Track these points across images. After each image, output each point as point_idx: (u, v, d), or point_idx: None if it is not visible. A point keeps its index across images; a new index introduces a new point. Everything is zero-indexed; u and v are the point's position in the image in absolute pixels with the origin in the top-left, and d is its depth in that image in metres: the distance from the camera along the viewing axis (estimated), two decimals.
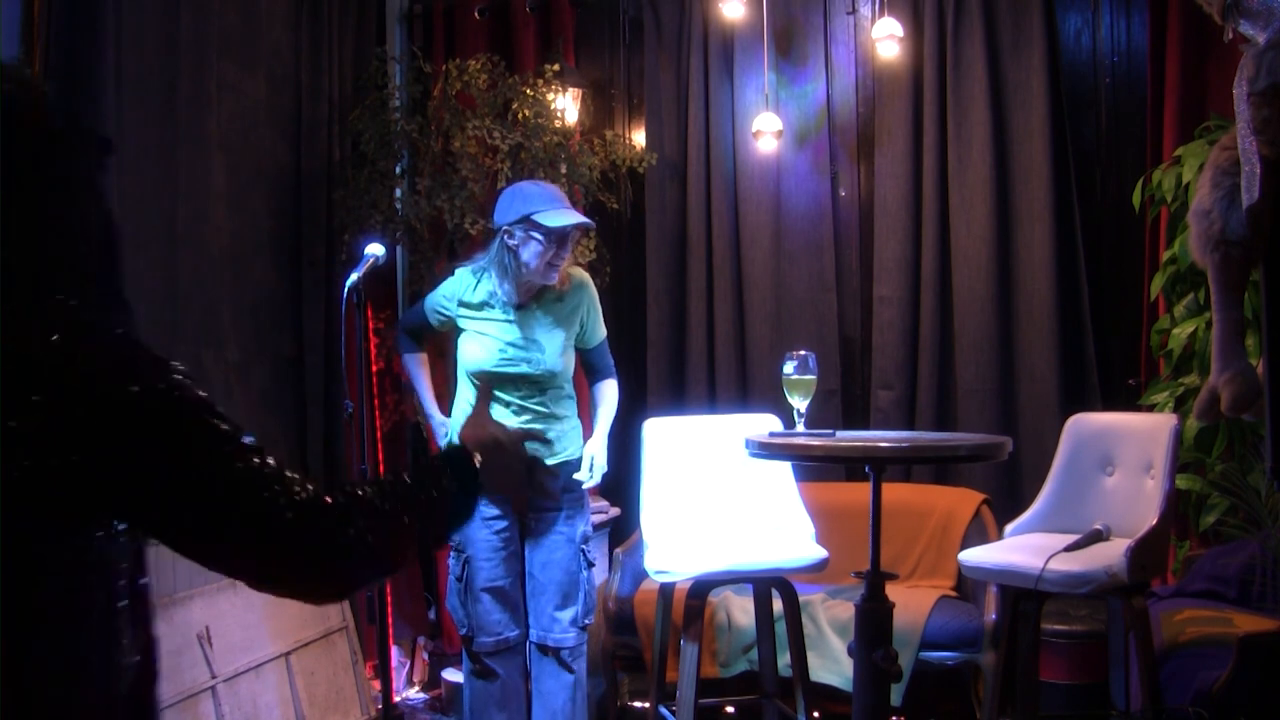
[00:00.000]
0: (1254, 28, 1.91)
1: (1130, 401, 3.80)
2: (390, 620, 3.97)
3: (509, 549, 3.08)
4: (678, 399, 4.33)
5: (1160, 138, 3.82)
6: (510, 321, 3.07)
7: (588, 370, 3.28)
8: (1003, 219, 4.05)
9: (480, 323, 3.09)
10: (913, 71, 4.14)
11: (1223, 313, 2.10)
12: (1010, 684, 3.05)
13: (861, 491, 2.68)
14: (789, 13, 4.31)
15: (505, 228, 3.00)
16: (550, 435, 3.09)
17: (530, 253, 2.98)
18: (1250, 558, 3.16)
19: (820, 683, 3.34)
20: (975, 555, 2.91)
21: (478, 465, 1.33)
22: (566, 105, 4.19)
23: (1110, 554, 2.68)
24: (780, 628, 3.09)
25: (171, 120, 3.31)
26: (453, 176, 3.88)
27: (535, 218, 2.95)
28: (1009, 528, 3.10)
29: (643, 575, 3.47)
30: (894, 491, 3.60)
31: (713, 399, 4.30)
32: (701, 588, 2.94)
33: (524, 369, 3.05)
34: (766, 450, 2.63)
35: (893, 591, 2.57)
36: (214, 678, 3.08)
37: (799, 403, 2.74)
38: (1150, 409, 3.49)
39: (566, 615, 3.12)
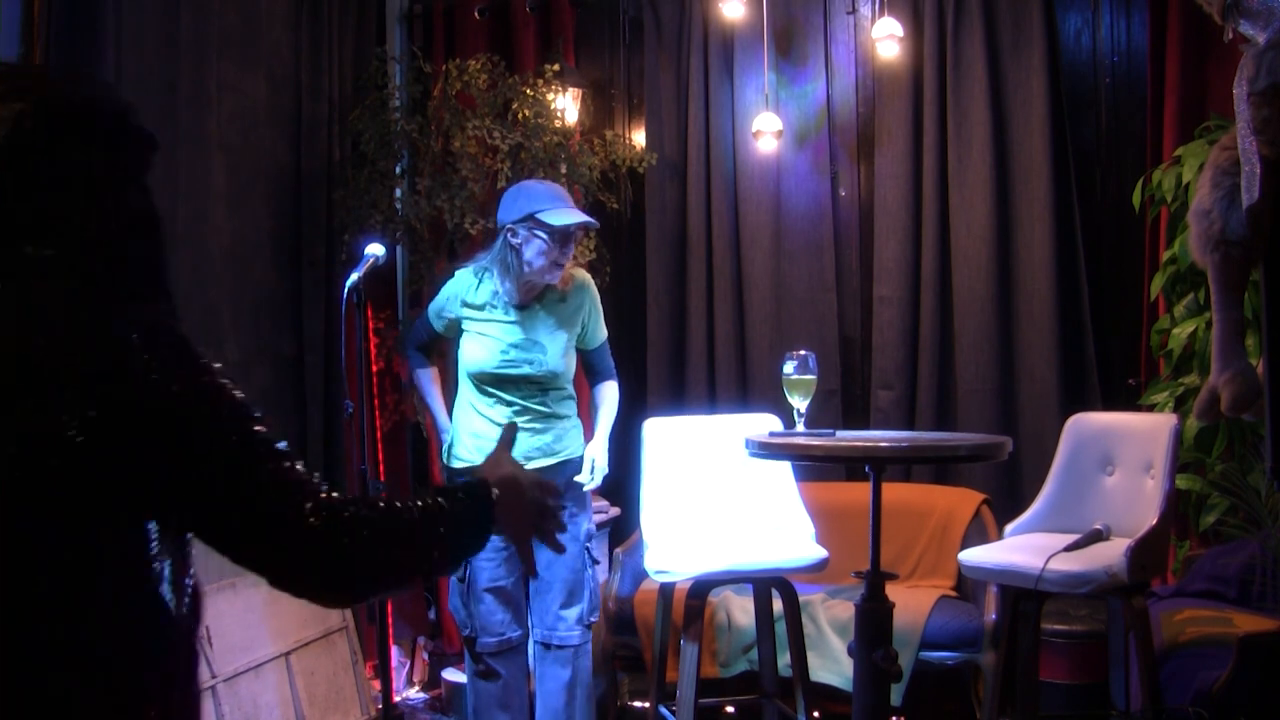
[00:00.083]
0: (1254, 28, 1.91)
1: (1130, 401, 3.79)
2: (390, 620, 3.97)
3: (510, 549, 3.08)
4: (678, 399, 4.33)
5: (1160, 138, 3.82)
6: (513, 322, 3.06)
7: (588, 371, 3.28)
8: (1003, 219, 4.05)
9: (482, 323, 3.08)
10: (913, 71, 4.13)
11: (1223, 313, 2.10)
12: (1010, 684, 3.05)
13: (861, 491, 2.68)
14: (789, 13, 4.31)
15: (509, 226, 2.99)
16: (551, 435, 3.10)
17: (534, 251, 2.97)
18: (1250, 558, 3.16)
19: (820, 683, 3.34)
20: (975, 555, 2.91)
21: (494, 499, 1.32)
22: (566, 105, 4.19)
23: (1110, 554, 2.68)
24: (780, 628, 3.08)
25: (171, 120, 3.31)
26: (453, 176, 3.88)
27: (539, 216, 2.95)
28: (1009, 528, 3.10)
29: (643, 575, 3.47)
30: (894, 491, 3.60)
31: (713, 399, 4.30)
32: (701, 588, 2.94)
33: (526, 370, 3.05)
34: (766, 450, 2.63)
35: (893, 591, 2.58)
36: (214, 677, 3.08)
37: (799, 403, 2.74)
38: (1150, 409, 3.49)
39: (572, 614, 3.12)
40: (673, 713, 2.98)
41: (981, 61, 4.03)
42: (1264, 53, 1.86)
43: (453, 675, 4.00)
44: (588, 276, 3.21)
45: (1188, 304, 3.48)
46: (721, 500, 3.24)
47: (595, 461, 3.14)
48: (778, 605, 3.05)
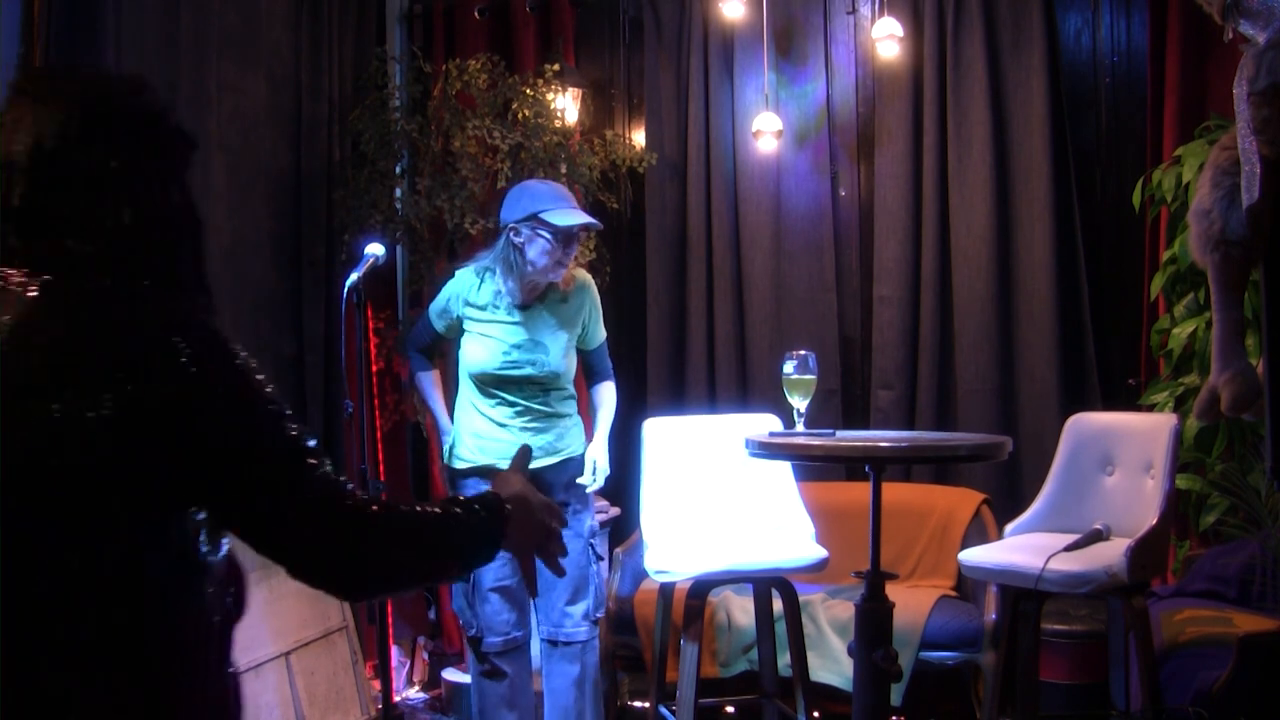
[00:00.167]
0: (1254, 28, 1.91)
1: (1130, 401, 3.79)
2: (390, 620, 3.97)
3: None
4: (678, 399, 4.33)
5: (1160, 138, 3.82)
6: (515, 323, 3.06)
7: (586, 372, 3.27)
8: (1003, 219, 4.05)
9: (484, 324, 3.08)
10: (913, 71, 4.13)
11: (1223, 313, 2.10)
12: (1010, 684, 3.05)
13: (861, 491, 2.68)
14: (789, 13, 4.31)
15: (512, 225, 2.99)
16: (553, 434, 3.10)
17: (537, 250, 2.97)
18: (1250, 558, 3.16)
19: (820, 683, 3.34)
20: (975, 555, 2.91)
21: (506, 513, 1.35)
22: (566, 105, 4.19)
23: (1110, 554, 2.68)
24: (780, 628, 3.08)
25: None
26: (453, 176, 3.88)
27: (543, 215, 2.95)
28: (1009, 528, 3.10)
29: (643, 575, 3.47)
30: (894, 491, 3.60)
31: (713, 399, 4.30)
32: (701, 588, 2.94)
33: (529, 371, 3.05)
34: (766, 450, 2.63)
35: (893, 591, 2.57)
36: None
37: (799, 403, 2.74)
38: (1150, 409, 3.49)
39: (578, 610, 3.12)
40: (673, 713, 2.98)
41: (981, 61, 4.03)
42: (1264, 53, 1.86)
43: (453, 675, 4.00)
44: (588, 277, 3.21)
45: (1188, 304, 3.48)
46: (721, 500, 3.24)
47: (596, 462, 3.15)
48: (778, 605, 3.05)
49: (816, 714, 3.16)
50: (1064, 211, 3.99)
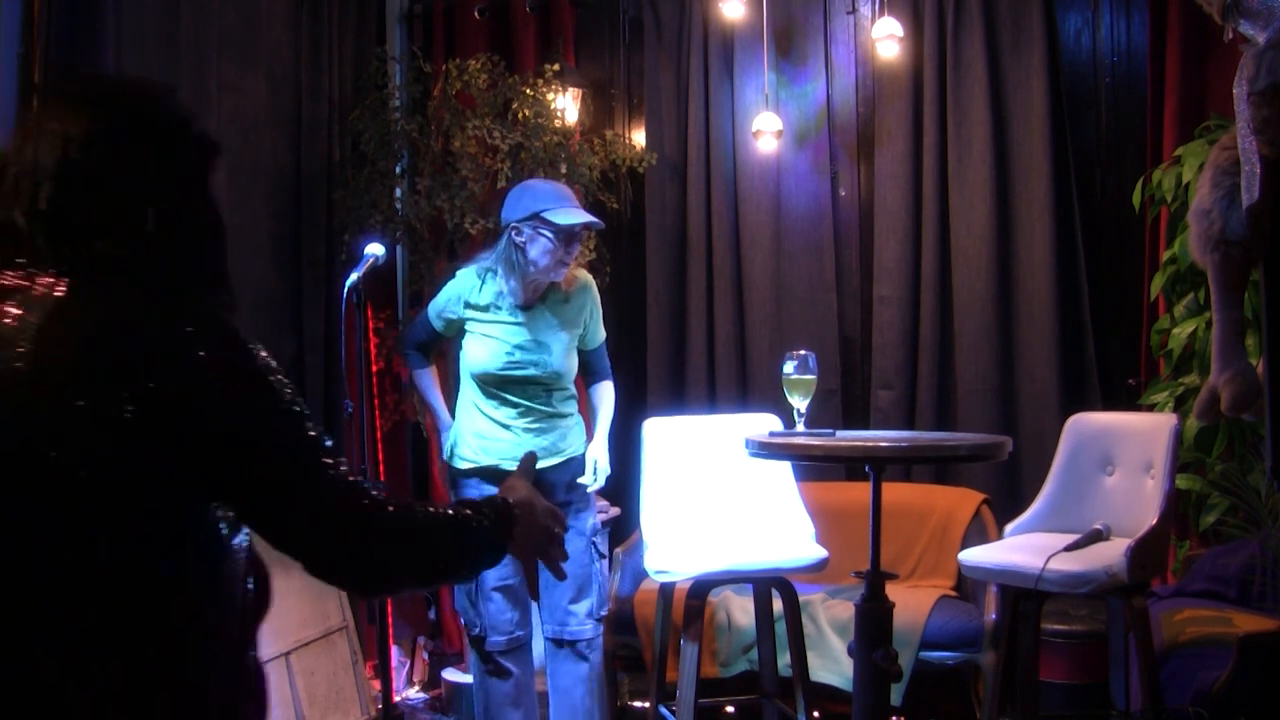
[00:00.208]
0: (1254, 28, 1.91)
1: (1130, 401, 3.79)
2: (390, 620, 3.97)
3: None
4: (678, 399, 4.33)
5: (1160, 138, 3.82)
6: (517, 324, 3.05)
7: (585, 371, 3.27)
8: (1003, 219, 4.05)
9: (486, 324, 3.07)
10: (913, 71, 4.13)
11: (1223, 313, 2.10)
12: (1010, 684, 3.05)
13: (861, 491, 2.68)
14: (789, 13, 4.31)
15: (514, 224, 2.99)
16: (555, 434, 3.10)
17: (538, 250, 2.97)
18: (1250, 558, 3.16)
19: (820, 683, 3.34)
20: (975, 555, 2.91)
21: (513, 518, 1.38)
22: (566, 105, 4.19)
23: (1110, 554, 2.68)
24: (780, 628, 3.08)
25: None
26: (453, 176, 3.88)
27: (545, 215, 2.94)
28: (1009, 528, 3.10)
29: (643, 575, 3.47)
30: (894, 491, 3.60)
31: (713, 399, 4.30)
32: (701, 588, 2.94)
33: (531, 371, 3.04)
34: (766, 450, 2.63)
35: (893, 591, 2.57)
36: None
37: (799, 403, 2.74)
38: (1150, 409, 3.49)
39: (582, 608, 3.12)
40: (673, 713, 2.98)
41: (981, 61, 4.03)
42: (1264, 53, 1.86)
43: (453, 675, 4.00)
44: (589, 277, 3.21)
45: (1188, 304, 3.48)
46: (721, 500, 3.24)
47: (597, 463, 3.15)
48: (778, 605, 3.05)
49: (816, 714, 3.16)
50: (1064, 211, 3.99)
